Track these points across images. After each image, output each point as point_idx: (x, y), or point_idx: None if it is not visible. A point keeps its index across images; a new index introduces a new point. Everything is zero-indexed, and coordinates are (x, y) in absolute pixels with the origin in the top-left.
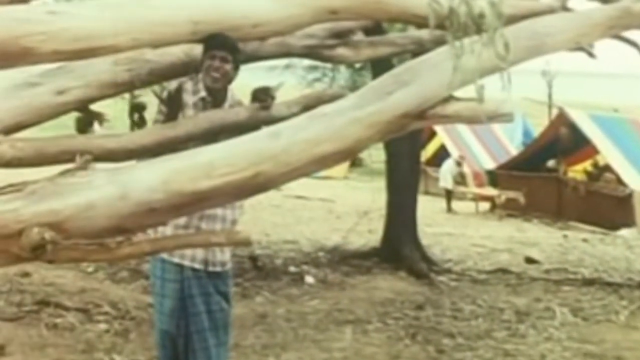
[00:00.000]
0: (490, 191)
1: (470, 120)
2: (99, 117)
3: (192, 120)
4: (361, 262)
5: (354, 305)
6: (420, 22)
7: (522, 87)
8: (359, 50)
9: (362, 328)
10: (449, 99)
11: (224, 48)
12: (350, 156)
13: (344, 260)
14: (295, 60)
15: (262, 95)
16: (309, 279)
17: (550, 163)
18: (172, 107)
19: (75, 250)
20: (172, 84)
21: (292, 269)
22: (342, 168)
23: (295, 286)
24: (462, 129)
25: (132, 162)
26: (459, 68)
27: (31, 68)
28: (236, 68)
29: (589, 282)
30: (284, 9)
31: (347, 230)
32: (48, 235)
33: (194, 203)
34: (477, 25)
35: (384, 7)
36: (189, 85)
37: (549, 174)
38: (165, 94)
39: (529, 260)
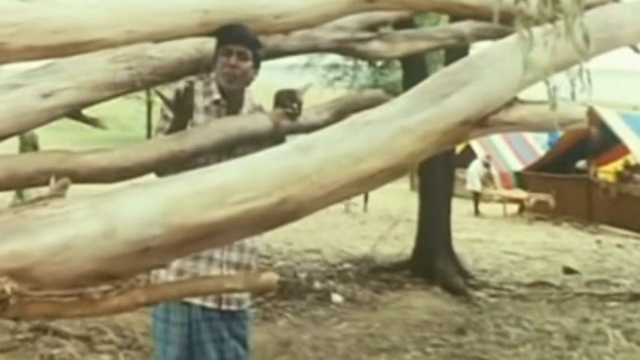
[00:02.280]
0: (519, 193)
1: (539, 127)
2: (95, 123)
3: (202, 129)
4: (392, 275)
5: (387, 329)
6: (468, 13)
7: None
8: (394, 45)
9: (398, 358)
10: (513, 102)
11: (241, 42)
12: (399, 174)
13: (373, 274)
14: (315, 58)
15: (287, 100)
16: (337, 298)
17: (580, 164)
18: (180, 111)
19: (48, 304)
20: (180, 84)
21: (317, 285)
22: None
23: (322, 306)
24: None
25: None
26: (530, 64)
27: (11, 67)
28: (256, 66)
29: (635, 297)
30: None
31: (377, 238)
32: (10, 286)
33: (202, 239)
34: (552, 11)
35: None
36: (199, 86)
37: (579, 175)
38: (172, 95)
39: (567, 270)
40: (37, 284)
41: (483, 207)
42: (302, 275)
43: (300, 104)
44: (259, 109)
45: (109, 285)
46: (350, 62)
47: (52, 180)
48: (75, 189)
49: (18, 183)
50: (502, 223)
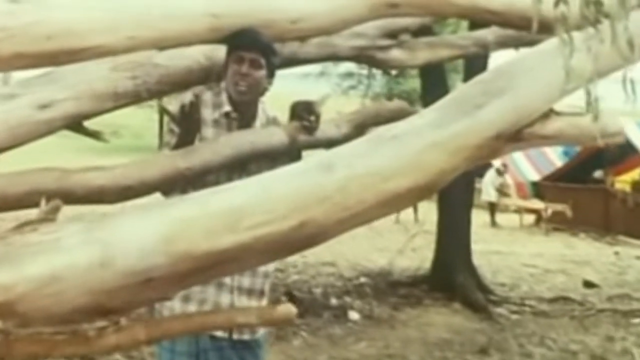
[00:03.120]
0: (536, 204)
1: (577, 140)
2: (96, 136)
3: (211, 144)
4: (410, 290)
5: (407, 348)
6: (494, 20)
7: None
8: (415, 53)
9: None
10: (549, 113)
11: (254, 48)
12: (428, 193)
13: (391, 289)
14: (330, 67)
15: (304, 112)
16: (354, 315)
17: (597, 174)
18: (187, 125)
19: (37, 343)
20: (187, 95)
21: (333, 301)
22: None
23: (338, 324)
24: None
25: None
26: (571, 72)
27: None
28: (271, 75)
29: None
30: (331, 0)
31: (395, 252)
32: None
33: (210, 269)
34: (595, 15)
35: (452, 0)
36: (207, 96)
37: (596, 185)
38: (177, 109)
39: (588, 284)
40: (24, 320)
41: (499, 217)
42: (318, 291)
43: (318, 116)
44: (273, 121)
45: (106, 321)
46: (364, 71)
47: (43, 202)
48: (71, 210)
49: (8, 205)
50: (519, 234)
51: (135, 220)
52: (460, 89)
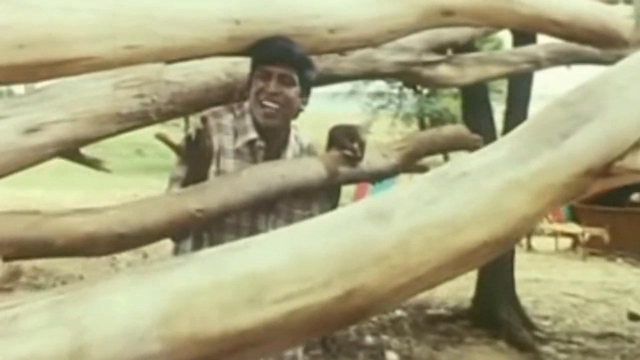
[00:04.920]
0: (573, 228)
1: None
2: (96, 165)
3: (231, 179)
4: (450, 326)
5: None
6: (557, 32)
7: None
8: (464, 70)
9: None
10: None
11: (285, 61)
12: (507, 246)
13: (430, 325)
14: (360, 86)
15: (345, 139)
16: (391, 356)
17: (635, 197)
18: (196, 159)
19: None
20: (192, 125)
21: (368, 339)
22: None
23: None
24: None
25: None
26: None
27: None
28: (305, 93)
29: None
30: (377, 6)
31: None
32: None
33: (225, 356)
34: None
35: (515, 8)
36: (227, 120)
37: (633, 208)
38: (184, 138)
39: (633, 317)
40: None
41: (534, 240)
42: (352, 328)
43: (362, 144)
44: (308, 150)
45: None
46: (395, 90)
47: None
48: (48, 266)
49: None
50: (556, 259)
51: (121, 292)
52: (542, 113)
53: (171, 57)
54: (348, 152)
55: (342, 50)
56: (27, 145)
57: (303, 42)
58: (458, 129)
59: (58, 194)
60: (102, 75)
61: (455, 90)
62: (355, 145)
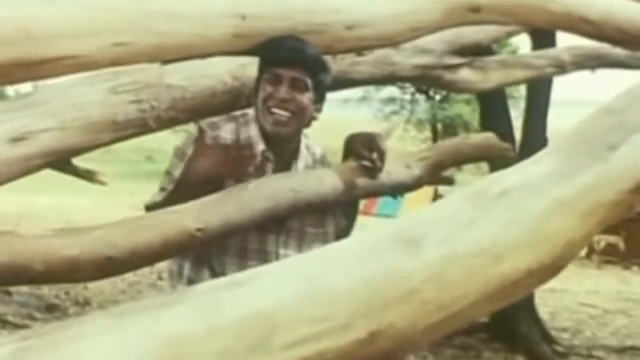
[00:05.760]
0: None
1: None
2: (90, 178)
3: (235, 195)
4: (467, 340)
5: None
6: (588, 31)
7: None
8: (488, 74)
9: None
10: None
11: (297, 64)
12: (552, 275)
13: (447, 338)
14: (372, 91)
15: (364, 149)
16: None
17: None
18: (187, 178)
19: None
20: (194, 132)
21: None
22: (427, 197)
23: None
24: None
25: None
26: None
27: None
28: (320, 99)
29: None
30: (399, 1)
31: None
32: None
33: None
34: None
35: (546, 5)
36: (226, 131)
37: None
38: (175, 151)
39: None
40: None
41: None
42: None
43: (382, 153)
44: (322, 161)
45: None
46: (407, 96)
47: None
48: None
49: None
50: (571, 267)
51: (97, 338)
52: (588, 122)
53: (167, 56)
54: (367, 163)
55: (360, 50)
56: (12, 156)
57: (317, 40)
58: (487, 137)
59: (66, 201)
60: (96, 79)
61: (467, 96)
62: (375, 155)
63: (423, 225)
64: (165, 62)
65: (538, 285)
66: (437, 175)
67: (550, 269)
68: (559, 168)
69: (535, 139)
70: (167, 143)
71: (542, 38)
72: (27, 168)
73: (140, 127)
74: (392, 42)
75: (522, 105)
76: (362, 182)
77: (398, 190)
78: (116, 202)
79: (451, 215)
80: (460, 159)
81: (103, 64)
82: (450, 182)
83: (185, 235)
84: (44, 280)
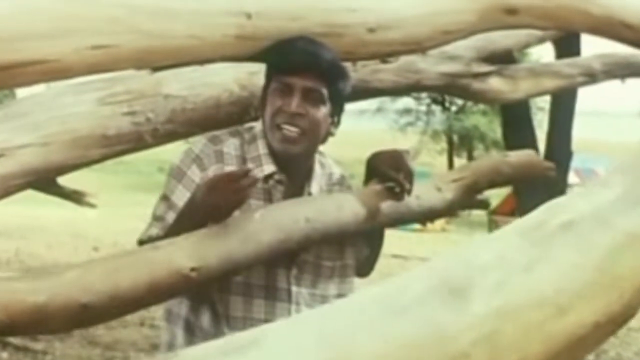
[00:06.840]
0: None
1: None
2: (78, 199)
3: (241, 224)
4: None
5: None
6: (629, 37)
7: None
8: (517, 83)
9: None
10: None
11: (311, 71)
12: (623, 325)
13: None
14: (387, 102)
15: (389, 169)
16: None
17: None
18: (194, 212)
19: None
20: (192, 148)
21: None
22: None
23: None
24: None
25: None
26: None
27: None
28: (337, 112)
29: None
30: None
31: None
32: None
33: None
34: None
35: (587, 8)
36: (229, 146)
37: None
38: (170, 170)
39: None
40: None
41: None
42: None
43: (410, 174)
44: (340, 183)
45: None
46: (423, 107)
47: None
48: None
49: None
50: None
51: None
52: None
53: (157, 61)
54: (392, 185)
55: (384, 55)
56: None
57: (334, 44)
58: (528, 155)
59: (74, 212)
60: (83, 87)
61: (483, 106)
62: (402, 176)
63: (469, 269)
64: (155, 68)
65: (604, 340)
66: (471, 198)
67: (620, 321)
68: (629, 193)
69: (559, 151)
70: (176, 155)
71: (567, 46)
72: (4, 189)
73: (135, 142)
74: (420, 46)
75: (539, 116)
76: (387, 207)
77: (427, 217)
78: (126, 213)
79: (504, 256)
80: (498, 180)
81: (79, 71)
82: (485, 206)
83: (177, 275)
84: (9, 332)
